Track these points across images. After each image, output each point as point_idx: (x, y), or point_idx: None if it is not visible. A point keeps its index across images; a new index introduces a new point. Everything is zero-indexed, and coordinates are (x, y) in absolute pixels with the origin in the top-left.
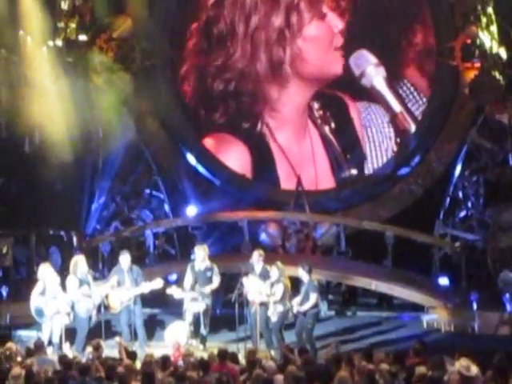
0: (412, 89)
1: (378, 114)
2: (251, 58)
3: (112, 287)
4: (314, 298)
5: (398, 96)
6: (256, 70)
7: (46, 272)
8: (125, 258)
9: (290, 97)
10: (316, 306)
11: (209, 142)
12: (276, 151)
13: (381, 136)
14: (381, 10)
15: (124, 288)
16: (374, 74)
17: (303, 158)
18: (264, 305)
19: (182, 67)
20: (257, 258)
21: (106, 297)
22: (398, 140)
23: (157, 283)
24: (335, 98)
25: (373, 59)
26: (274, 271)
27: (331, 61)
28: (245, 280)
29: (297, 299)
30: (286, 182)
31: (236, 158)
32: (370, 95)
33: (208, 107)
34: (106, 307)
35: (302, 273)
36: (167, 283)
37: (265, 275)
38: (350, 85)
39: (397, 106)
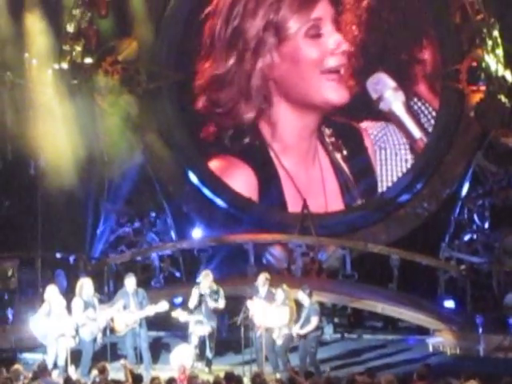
0: (425, 105)
1: (396, 135)
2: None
3: (118, 311)
4: (315, 321)
5: (417, 121)
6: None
7: (52, 294)
8: (130, 281)
9: (288, 121)
10: (317, 329)
11: (215, 164)
12: (282, 175)
13: (395, 158)
14: (389, 29)
15: (129, 311)
16: (392, 98)
17: (311, 183)
18: (269, 328)
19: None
20: (262, 281)
21: (112, 319)
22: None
23: (162, 306)
24: (350, 127)
25: (391, 83)
26: (279, 294)
27: (320, 85)
28: (249, 303)
29: (298, 323)
30: (293, 206)
31: (242, 180)
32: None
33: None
34: (112, 330)
35: (302, 296)
36: (173, 306)
37: (270, 298)
38: (367, 107)
39: (416, 132)
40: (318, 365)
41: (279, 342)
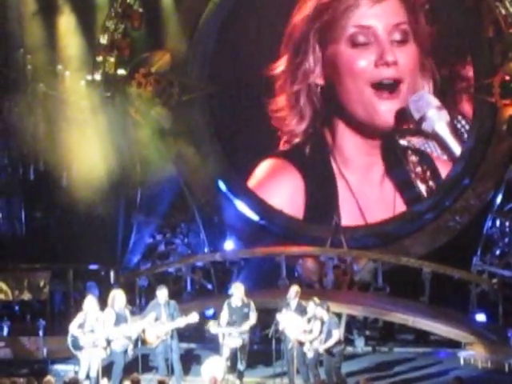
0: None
1: (435, 150)
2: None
3: (149, 323)
4: (336, 334)
5: (461, 141)
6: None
7: (90, 305)
8: (162, 293)
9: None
10: (340, 342)
11: (262, 168)
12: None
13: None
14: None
15: (160, 322)
16: (436, 118)
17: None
18: (301, 341)
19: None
20: (293, 294)
21: (143, 331)
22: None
23: (192, 317)
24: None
25: (434, 101)
26: (310, 307)
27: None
28: (278, 316)
29: (319, 338)
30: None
31: (289, 188)
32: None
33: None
34: (143, 341)
35: (321, 311)
36: (204, 318)
37: (301, 311)
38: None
39: (459, 151)
40: (344, 378)
41: (310, 354)
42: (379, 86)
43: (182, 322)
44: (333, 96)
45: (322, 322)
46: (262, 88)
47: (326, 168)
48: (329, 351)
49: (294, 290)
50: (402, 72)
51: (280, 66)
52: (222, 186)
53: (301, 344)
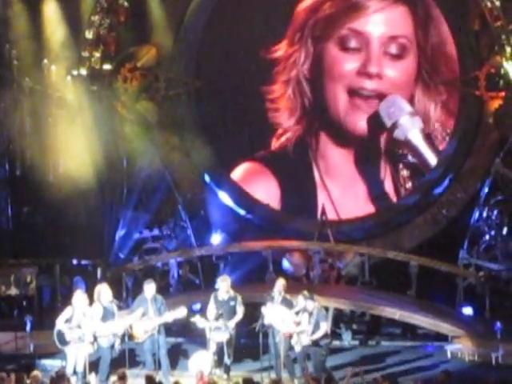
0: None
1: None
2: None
3: (136, 318)
4: (324, 327)
5: (435, 148)
6: None
7: (78, 300)
8: (150, 287)
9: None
10: (327, 335)
11: (239, 171)
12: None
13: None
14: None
15: (148, 317)
16: (409, 125)
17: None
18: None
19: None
20: (278, 288)
21: (130, 326)
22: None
23: (180, 312)
24: None
25: (407, 107)
26: (300, 300)
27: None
28: (264, 309)
29: (307, 330)
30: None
31: (265, 186)
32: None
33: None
34: (130, 336)
35: (311, 304)
36: (191, 312)
37: (287, 304)
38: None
39: (433, 160)
40: (330, 371)
41: (298, 348)
42: (355, 95)
43: (169, 316)
44: (317, 95)
45: (310, 314)
46: (257, 76)
47: (307, 175)
48: (316, 343)
49: (281, 283)
50: (388, 86)
51: (280, 49)
52: (208, 180)
53: (290, 337)
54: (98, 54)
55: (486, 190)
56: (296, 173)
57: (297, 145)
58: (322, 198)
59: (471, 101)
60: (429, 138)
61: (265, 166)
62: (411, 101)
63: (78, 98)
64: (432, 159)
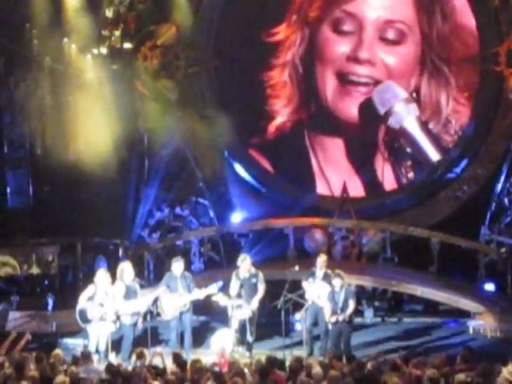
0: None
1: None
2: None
3: (158, 296)
4: (352, 304)
5: (435, 140)
6: None
7: (101, 278)
8: (178, 265)
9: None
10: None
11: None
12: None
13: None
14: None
15: (178, 294)
16: (404, 112)
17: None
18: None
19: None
20: (320, 264)
21: (160, 302)
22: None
23: (212, 289)
24: None
25: (402, 93)
26: (336, 281)
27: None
28: (304, 284)
29: (333, 307)
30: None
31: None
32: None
33: None
34: (158, 313)
35: (337, 281)
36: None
37: (327, 281)
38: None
39: (433, 154)
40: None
41: (330, 326)
42: (345, 81)
43: (201, 293)
44: (311, 80)
45: (337, 292)
46: (264, 59)
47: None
48: (347, 320)
49: (322, 259)
50: (384, 74)
51: (280, 32)
52: (229, 158)
53: (334, 313)
54: (118, 33)
55: (507, 165)
56: (293, 161)
57: (294, 133)
58: (321, 188)
59: (491, 77)
60: (425, 126)
61: (260, 153)
62: (416, 91)
63: (98, 77)
64: (430, 150)
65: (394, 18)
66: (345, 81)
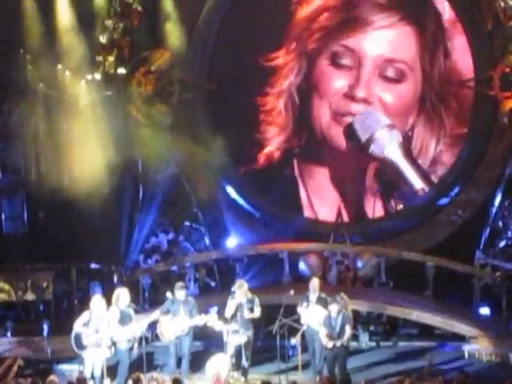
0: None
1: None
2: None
3: (153, 321)
4: (349, 330)
5: (417, 167)
6: None
7: (96, 304)
8: (181, 290)
9: None
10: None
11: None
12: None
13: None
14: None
15: (179, 319)
16: (386, 139)
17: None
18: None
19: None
20: (313, 287)
21: (159, 325)
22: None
23: (212, 317)
24: None
25: (384, 120)
26: (333, 306)
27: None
28: (299, 309)
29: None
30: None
31: None
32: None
33: None
34: (157, 336)
35: (334, 307)
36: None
37: (322, 303)
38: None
39: (417, 182)
40: (348, 373)
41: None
42: (339, 118)
43: (200, 320)
44: (305, 111)
45: (333, 317)
46: (259, 85)
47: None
48: (344, 346)
49: (315, 282)
50: (378, 110)
51: (279, 57)
52: (224, 184)
53: (330, 337)
54: (111, 59)
55: (502, 189)
56: (282, 190)
57: (283, 162)
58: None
59: (485, 101)
60: (408, 152)
61: (250, 181)
62: (411, 130)
63: (92, 103)
64: (414, 177)
65: (395, 56)
66: (340, 116)
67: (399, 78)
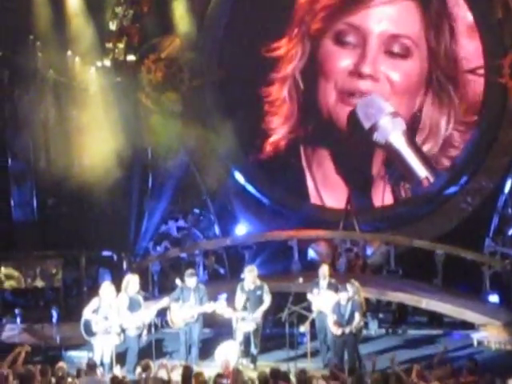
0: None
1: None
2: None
3: (162, 307)
4: (358, 317)
5: (422, 155)
6: None
7: (105, 291)
8: (192, 277)
9: None
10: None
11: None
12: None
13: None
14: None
15: (188, 305)
16: (390, 127)
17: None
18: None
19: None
20: (323, 273)
21: (170, 312)
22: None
23: (221, 305)
24: None
25: (388, 107)
26: (348, 289)
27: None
28: (309, 296)
29: (339, 319)
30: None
31: None
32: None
33: None
34: (167, 323)
35: (343, 295)
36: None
37: (333, 289)
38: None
39: (421, 171)
40: (361, 359)
41: (335, 337)
42: (346, 97)
43: (209, 307)
44: (311, 95)
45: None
46: (263, 74)
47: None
48: (353, 333)
49: (325, 268)
50: (387, 90)
51: (281, 47)
52: (234, 171)
53: (338, 325)
54: (121, 46)
55: (511, 177)
56: (288, 179)
57: (289, 151)
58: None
59: (495, 89)
60: (414, 142)
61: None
62: (419, 111)
63: (101, 90)
64: (418, 166)
65: (399, 32)
66: (347, 97)
67: (405, 54)
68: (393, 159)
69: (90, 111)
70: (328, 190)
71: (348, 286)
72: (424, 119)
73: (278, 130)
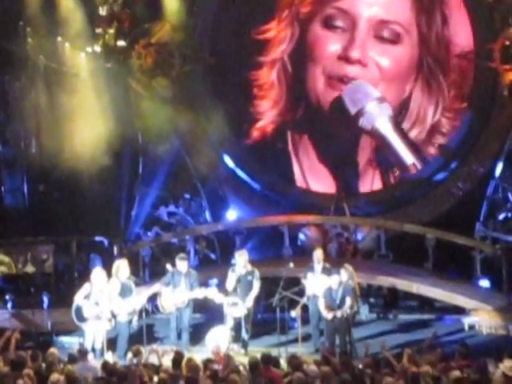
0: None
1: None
2: None
3: (153, 293)
4: (349, 301)
5: (408, 141)
6: None
7: (96, 277)
8: (183, 263)
9: None
10: (352, 307)
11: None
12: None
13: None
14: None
15: (179, 290)
16: (376, 112)
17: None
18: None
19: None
20: (317, 258)
21: (160, 297)
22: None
23: (212, 290)
24: None
25: (375, 92)
26: (342, 273)
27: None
28: (304, 281)
29: (330, 304)
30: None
31: None
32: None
33: None
34: (157, 307)
35: (335, 278)
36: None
37: (328, 273)
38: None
39: (408, 157)
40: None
41: (327, 322)
42: (335, 82)
43: (199, 293)
44: (300, 80)
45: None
46: (253, 57)
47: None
48: (344, 317)
49: (319, 253)
50: (376, 75)
51: (271, 30)
52: (224, 156)
53: (330, 309)
54: (111, 31)
55: (502, 162)
56: (276, 164)
57: (276, 136)
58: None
59: (486, 74)
60: (398, 126)
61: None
62: (408, 98)
63: (92, 75)
64: (404, 152)
65: (389, 18)
66: (335, 82)
67: (395, 40)
68: (380, 145)
69: (80, 97)
70: (314, 175)
71: (342, 271)
72: (412, 105)
73: (267, 113)
